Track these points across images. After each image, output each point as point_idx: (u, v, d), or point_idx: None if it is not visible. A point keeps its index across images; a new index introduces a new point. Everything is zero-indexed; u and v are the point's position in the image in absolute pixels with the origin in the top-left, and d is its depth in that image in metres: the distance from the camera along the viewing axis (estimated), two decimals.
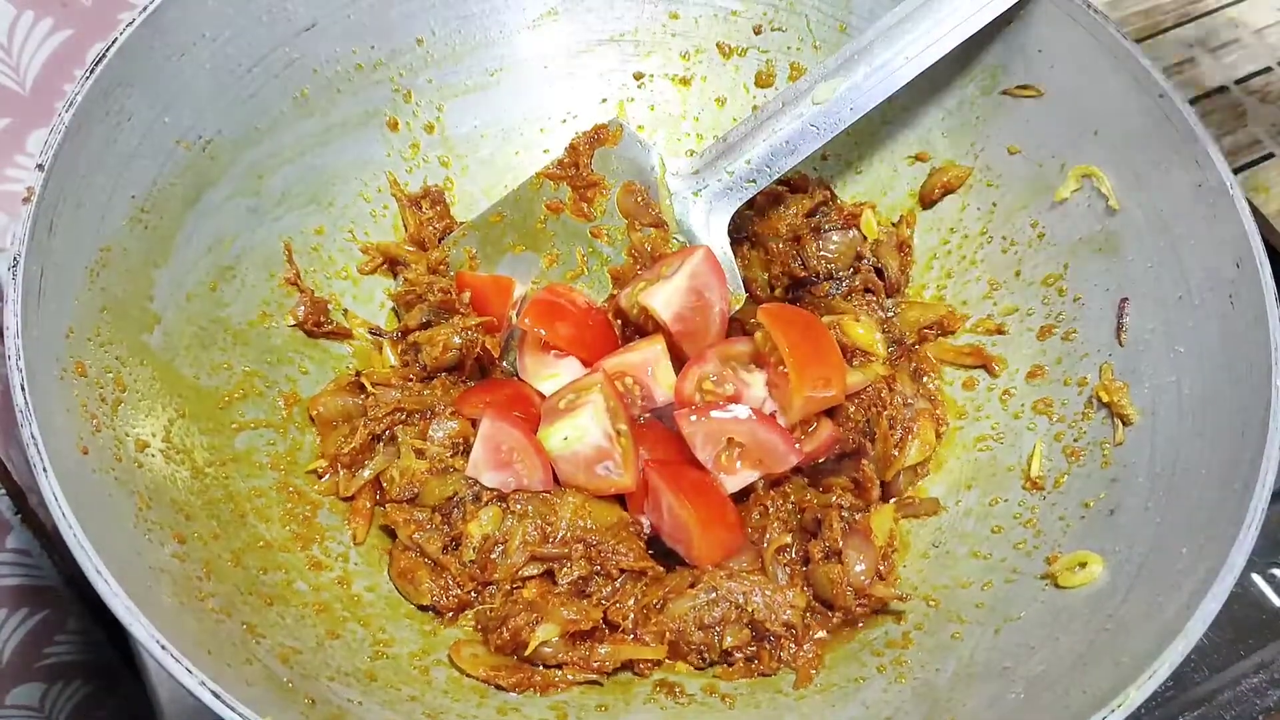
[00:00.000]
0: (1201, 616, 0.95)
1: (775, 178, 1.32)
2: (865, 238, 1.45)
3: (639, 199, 1.37)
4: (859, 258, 1.44)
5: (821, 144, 1.29)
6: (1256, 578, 1.37)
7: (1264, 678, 1.31)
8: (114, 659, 1.67)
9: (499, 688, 1.13)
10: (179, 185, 1.21)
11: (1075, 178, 1.30)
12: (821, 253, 1.43)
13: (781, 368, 1.26)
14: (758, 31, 1.49)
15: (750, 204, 1.39)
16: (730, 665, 1.19)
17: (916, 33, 1.26)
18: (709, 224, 1.35)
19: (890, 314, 1.42)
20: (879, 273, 1.44)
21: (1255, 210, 1.14)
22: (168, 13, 1.17)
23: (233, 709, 0.86)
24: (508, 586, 1.20)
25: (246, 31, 1.26)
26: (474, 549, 1.20)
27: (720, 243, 1.35)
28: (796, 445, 1.25)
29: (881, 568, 1.22)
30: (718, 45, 1.51)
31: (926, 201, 1.46)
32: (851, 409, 1.30)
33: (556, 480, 1.26)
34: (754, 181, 1.32)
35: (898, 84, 1.26)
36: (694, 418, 1.26)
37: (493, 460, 1.23)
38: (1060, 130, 1.32)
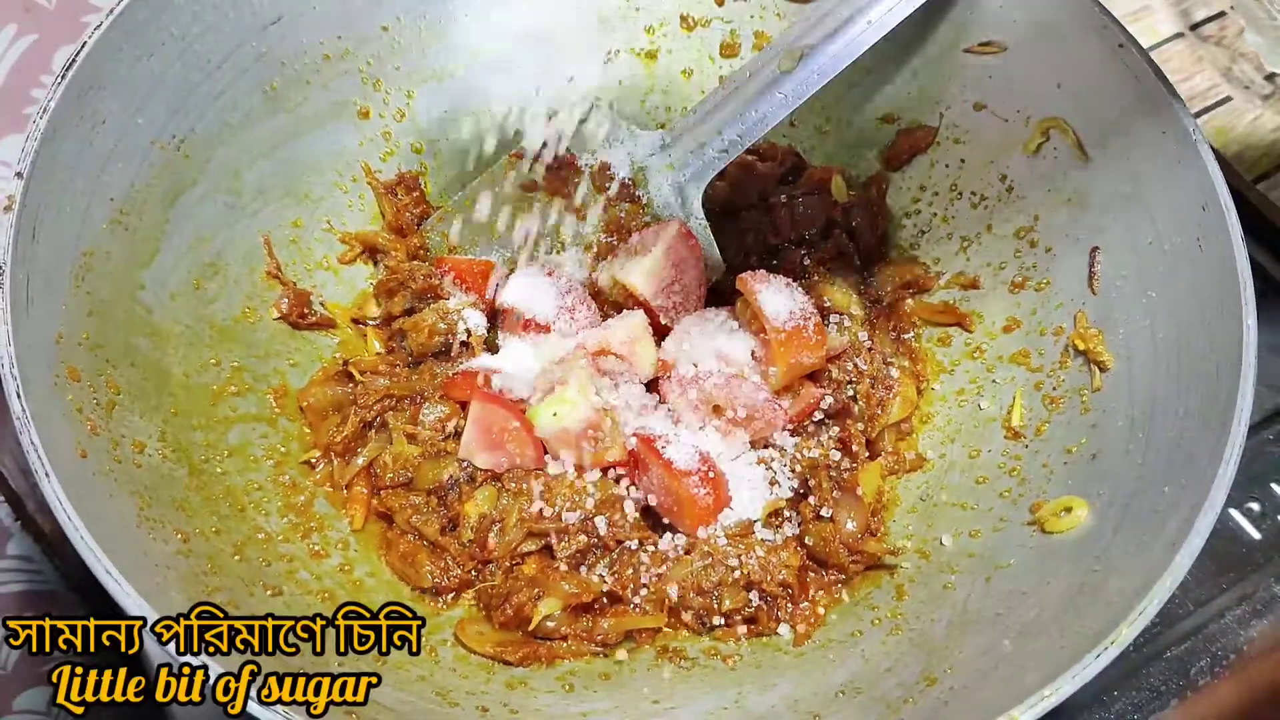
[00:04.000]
0: (1187, 552, 0.96)
1: (746, 147, 1.33)
2: (836, 201, 1.47)
3: (613, 175, 1.38)
4: (830, 222, 1.46)
5: (790, 111, 1.30)
6: (1234, 512, 1.40)
7: (1246, 609, 1.34)
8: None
9: (506, 663, 1.15)
10: (157, 185, 1.22)
11: (1041, 130, 1.32)
12: (794, 219, 1.45)
13: (762, 334, 1.27)
14: (720, 2, 1.50)
15: (721, 174, 1.41)
16: (729, 627, 1.21)
17: None
18: (684, 197, 1.36)
19: (866, 275, 1.44)
20: (851, 235, 1.46)
21: (1216, 153, 1.16)
22: (135, 14, 1.17)
23: (250, 697, 0.87)
24: (507, 564, 1.22)
25: (213, 28, 1.26)
26: (471, 529, 1.22)
27: (695, 215, 1.36)
28: (782, 409, 1.27)
29: (872, 524, 1.24)
30: (681, 17, 1.52)
31: (894, 164, 1.47)
32: (834, 371, 1.32)
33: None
34: (725, 152, 1.34)
35: (862, 48, 1.27)
36: (679, 386, 1.28)
37: (484, 442, 1.25)
38: (1024, 84, 1.33)
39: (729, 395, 1.26)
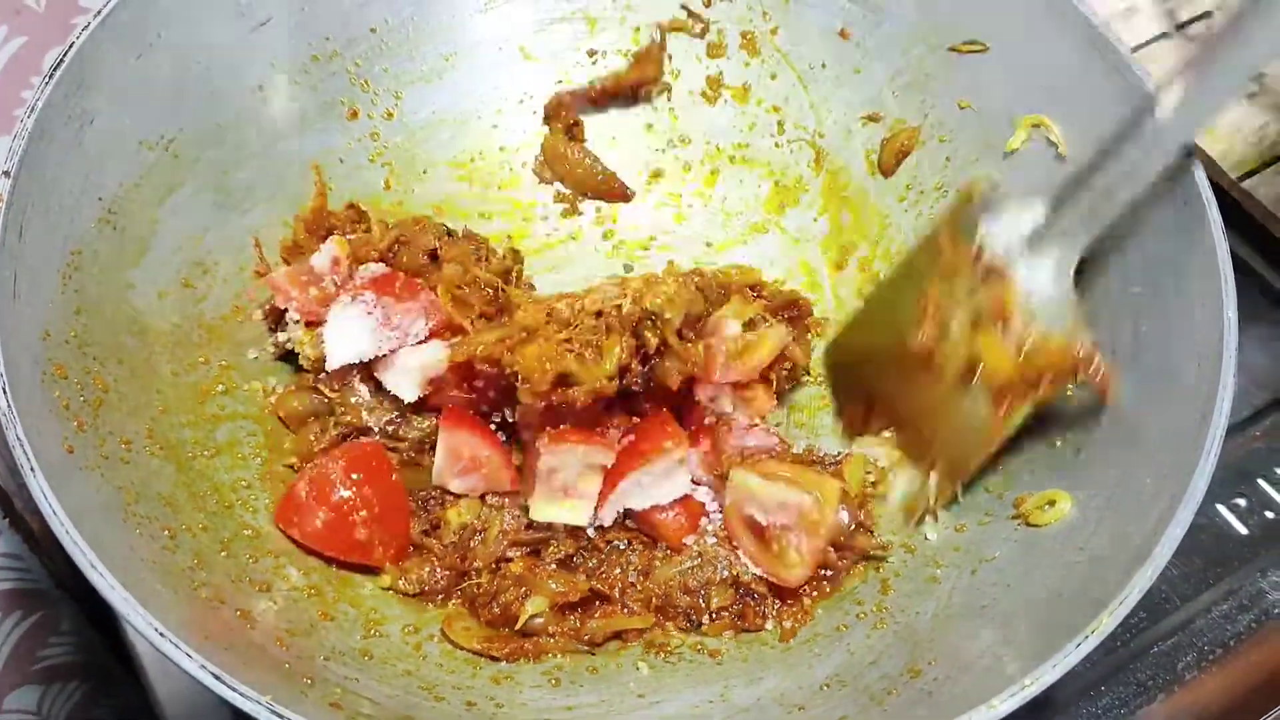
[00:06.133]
0: (1168, 542, 0.97)
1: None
2: None
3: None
4: None
5: None
6: (1221, 508, 1.40)
7: (1233, 604, 1.35)
8: (109, 659, 1.68)
9: (492, 658, 1.15)
10: (145, 185, 1.22)
11: (1025, 128, 1.32)
12: None
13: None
14: (708, 4, 1.51)
15: None
16: (717, 624, 1.21)
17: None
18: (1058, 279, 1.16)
19: None
20: None
21: (1198, 150, 1.17)
22: (123, 14, 1.18)
23: (235, 689, 0.87)
24: (493, 565, 1.22)
25: (202, 29, 1.27)
26: (454, 533, 1.22)
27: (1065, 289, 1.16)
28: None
29: (860, 517, 1.25)
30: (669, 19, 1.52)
31: (888, 171, 1.47)
32: None
33: None
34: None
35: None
36: None
37: (455, 468, 1.23)
38: (1008, 83, 1.33)
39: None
